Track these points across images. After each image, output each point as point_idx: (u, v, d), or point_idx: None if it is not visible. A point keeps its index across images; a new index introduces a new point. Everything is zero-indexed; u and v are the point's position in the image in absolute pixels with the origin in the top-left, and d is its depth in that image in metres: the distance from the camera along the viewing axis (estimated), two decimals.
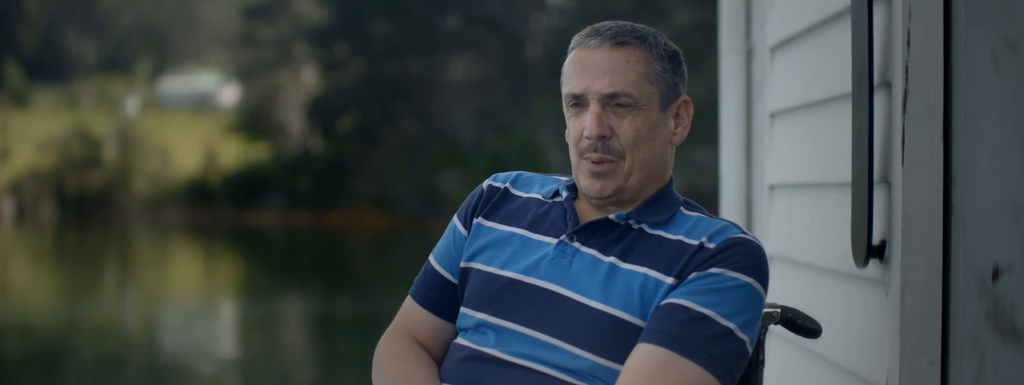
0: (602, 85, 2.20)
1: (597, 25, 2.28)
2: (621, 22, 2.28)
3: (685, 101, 2.29)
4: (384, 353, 2.37)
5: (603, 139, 2.21)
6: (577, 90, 2.23)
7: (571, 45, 2.29)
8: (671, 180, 2.31)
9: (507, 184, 2.40)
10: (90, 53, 31.63)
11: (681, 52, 2.30)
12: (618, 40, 2.22)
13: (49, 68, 31.13)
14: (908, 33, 2.33)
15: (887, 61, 2.41)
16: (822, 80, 2.95)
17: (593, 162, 2.23)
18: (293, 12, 31.02)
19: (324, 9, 30.56)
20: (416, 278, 2.44)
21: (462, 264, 2.35)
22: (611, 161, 2.22)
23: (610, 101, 2.21)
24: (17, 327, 12.92)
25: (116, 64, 31.59)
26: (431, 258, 2.42)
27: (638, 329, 2.15)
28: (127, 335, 12.65)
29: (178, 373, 10.19)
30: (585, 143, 2.23)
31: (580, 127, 2.23)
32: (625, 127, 2.21)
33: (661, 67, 2.24)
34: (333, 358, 11.33)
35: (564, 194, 2.32)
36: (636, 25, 2.27)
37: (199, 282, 18.95)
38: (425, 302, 2.40)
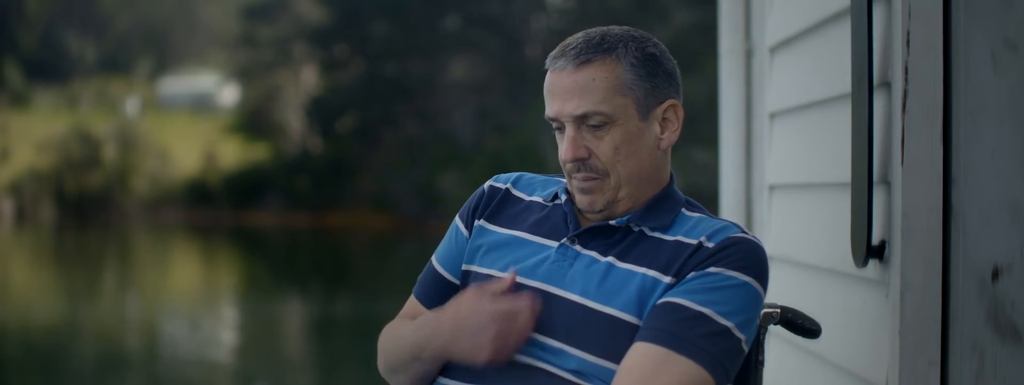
0: (571, 108, 2.18)
1: (565, 42, 2.24)
2: (591, 32, 2.23)
3: (672, 105, 2.23)
4: (387, 328, 2.41)
5: (581, 161, 2.20)
6: (551, 114, 2.22)
7: (545, 65, 2.25)
8: (672, 180, 2.30)
9: (508, 185, 2.40)
10: (90, 53, 31.63)
11: (663, 53, 2.23)
12: (581, 59, 2.18)
13: (49, 68, 31.13)
14: (908, 33, 2.32)
15: (887, 61, 2.41)
16: (822, 80, 2.95)
17: (580, 180, 2.23)
18: (293, 12, 31.02)
19: (324, 9, 30.55)
20: (420, 276, 2.44)
21: (463, 266, 2.36)
22: (595, 178, 2.22)
23: (583, 122, 2.19)
24: (16, 327, 12.91)
25: (116, 64, 31.59)
26: (433, 259, 2.43)
27: (637, 329, 2.15)
28: (126, 336, 12.65)
29: (177, 374, 10.18)
30: (568, 165, 2.23)
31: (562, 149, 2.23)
32: (603, 147, 2.19)
33: (634, 75, 2.19)
34: (332, 359, 11.33)
35: (564, 197, 2.31)
36: (608, 33, 2.22)
37: (198, 283, 18.94)
38: (427, 302, 2.40)
